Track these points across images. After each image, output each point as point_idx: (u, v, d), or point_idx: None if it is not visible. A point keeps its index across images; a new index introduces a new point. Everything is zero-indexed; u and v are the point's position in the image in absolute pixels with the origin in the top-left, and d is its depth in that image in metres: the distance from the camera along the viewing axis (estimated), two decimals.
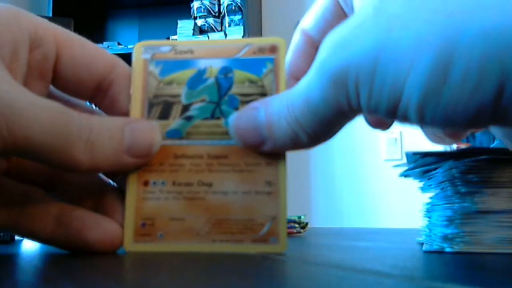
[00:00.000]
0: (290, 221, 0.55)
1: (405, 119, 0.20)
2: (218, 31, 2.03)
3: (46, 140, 0.21)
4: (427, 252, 0.29)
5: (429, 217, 0.33)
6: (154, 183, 0.25)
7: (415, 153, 0.31)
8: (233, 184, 0.25)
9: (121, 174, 0.26)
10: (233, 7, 1.98)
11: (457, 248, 0.28)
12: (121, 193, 0.26)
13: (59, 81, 0.26)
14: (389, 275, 0.17)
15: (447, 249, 0.28)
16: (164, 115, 0.26)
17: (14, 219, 0.25)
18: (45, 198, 0.26)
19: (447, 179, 0.29)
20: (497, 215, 0.28)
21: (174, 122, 0.26)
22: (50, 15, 1.97)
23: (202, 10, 2.03)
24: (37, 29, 0.24)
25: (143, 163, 0.25)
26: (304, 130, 0.22)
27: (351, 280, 0.16)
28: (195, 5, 2.03)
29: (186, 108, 0.26)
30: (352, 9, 0.26)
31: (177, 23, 2.06)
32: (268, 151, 0.25)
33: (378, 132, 1.91)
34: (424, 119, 0.19)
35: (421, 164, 0.32)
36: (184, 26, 2.05)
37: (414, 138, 1.85)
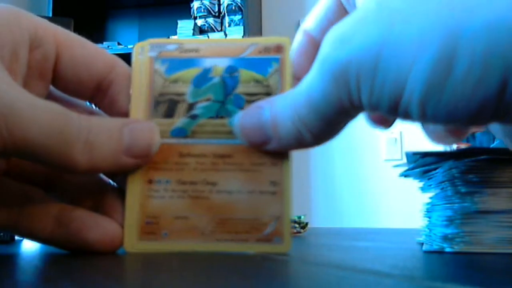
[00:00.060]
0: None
1: (406, 115, 0.20)
2: (218, 31, 2.03)
3: (45, 141, 0.21)
4: (427, 252, 0.29)
5: (429, 217, 0.33)
6: (159, 181, 0.25)
7: (415, 153, 0.31)
8: (238, 184, 0.25)
9: (121, 174, 0.26)
10: (233, 7, 1.98)
11: (457, 248, 0.28)
12: (121, 193, 0.26)
13: (59, 81, 0.26)
14: (389, 275, 0.17)
15: (447, 249, 0.28)
16: (170, 113, 0.26)
17: (14, 219, 0.25)
18: (44, 198, 0.26)
19: (447, 179, 0.29)
20: (497, 215, 0.28)
21: (179, 120, 0.26)
22: (50, 15, 1.97)
23: (202, 10, 2.03)
24: (37, 29, 0.24)
25: (142, 163, 0.25)
26: (307, 128, 0.22)
27: (351, 280, 0.16)
28: (195, 5, 2.03)
29: (191, 106, 0.26)
30: (355, 8, 0.26)
31: (177, 23, 2.06)
32: (273, 150, 0.25)
33: (378, 132, 1.91)
34: (426, 116, 0.19)
35: (421, 164, 0.32)
36: (184, 26, 2.05)
37: (414, 138, 1.85)
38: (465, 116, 0.18)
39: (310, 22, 0.28)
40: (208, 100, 0.26)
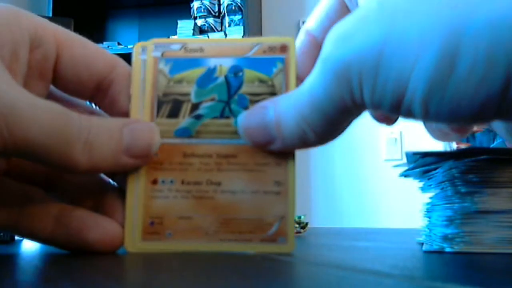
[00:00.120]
0: None
1: (409, 114, 0.19)
2: (218, 31, 2.03)
3: (46, 141, 0.21)
4: (427, 252, 0.29)
5: (429, 217, 0.33)
6: (163, 181, 0.25)
7: (415, 153, 0.31)
8: (242, 184, 0.25)
9: (121, 173, 0.26)
10: (233, 7, 1.98)
11: (457, 248, 0.28)
12: (121, 193, 0.26)
13: (59, 81, 0.26)
14: (389, 275, 0.17)
15: (447, 249, 0.28)
16: (174, 113, 0.26)
17: (14, 219, 0.25)
18: (45, 198, 0.26)
19: (447, 179, 0.29)
20: (497, 215, 0.28)
21: (184, 120, 0.26)
22: (50, 15, 1.97)
23: (202, 10, 2.03)
24: (37, 29, 0.24)
25: (142, 163, 0.25)
26: (311, 128, 0.22)
27: (351, 280, 0.16)
28: (195, 5, 2.03)
29: (195, 106, 0.26)
30: (357, 6, 0.25)
31: (177, 23, 2.06)
32: (277, 150, 0.25)
33: (378, 132, 1.91)
34: (428, 114, 0.19)
35: (421, 164, 0.32)
36: (184, 26, 2.05)
37: (414, 138, 1.85)
38: (468, 114, 0.18)
39: (312, 22, 0.28)
40: (212, 100, 0.26)
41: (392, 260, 0.23)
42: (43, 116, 0.21)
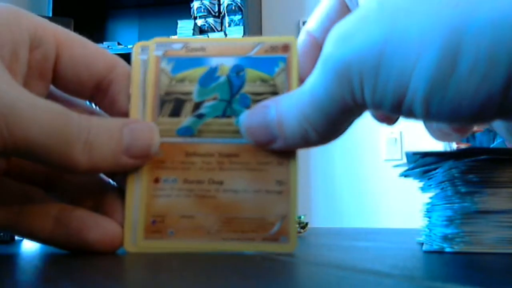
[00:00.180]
0: None
1: (410, 113, 0.19)
2: (218, 31, 2.03)
3: (46, 141, 0.21)
4: (427, 252, 0.29)
5: (429, 217, 0.33)
6: (165, 180, 0.25)
7: (415, 153, 0.31)
8: (244, 183, 0.25)
9: (121, 173, 0.26)
10: (233, 7, 1.98)
11: (457, 248, 0.28)
12: (121, 192, 0.26)
13: (59, 81, 0.26)
14: (389, 275, 0.17)
15: (447, 249, 0.28)
16: (176, 112, 0.26)
17: (14, 219, 0.25)
18: (44, 198, 0.26)
19: (447, 179, 0.29)
20: (497, 215, 0.28)
21: (186, 119, 0.26)
22: (50, 15, 1.97)
23: (202, 10, 2.03)
24: (37, 29, 0.24)
25: (142, 163, 0.25)
26: (313, 128, 0.22)
27: (351, 280, 0.16)
28: (195, 5, 2.03)
29: (197, 106, 0.26)
30: (357, 6, 0.25)
31: (177, 23, 2.06)
32: (278, 149, 0.25)
33: (378, 132, 1.91)
34: (430, 113, 0.19)
35: (421, 164, 0.32)
36: (184, 26, 2.05)
37: (414, 138, 1.85)
38: (469, 113, 0.18)
39: (312, 22, 0.28)
40: (214, 99, 0.26)
41: (392, 260, 0.23)
42: (43, 116, 0.21)
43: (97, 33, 2.20)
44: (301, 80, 0.25)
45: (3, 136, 0.21)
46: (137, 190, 0.25)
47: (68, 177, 0.27)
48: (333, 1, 0.27)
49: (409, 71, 0.18)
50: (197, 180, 0.25)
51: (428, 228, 0.32)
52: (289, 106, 0.23)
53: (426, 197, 0.34)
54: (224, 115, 0.26)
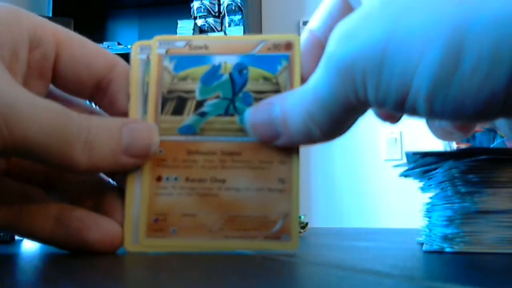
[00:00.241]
0: None
1: (413, 111, 0.19)
2: (218, 31, 2.03)
3: (45, 140, 0.21)
4: (427, 252, 0.29)
5: (429, 217, 0.33)
6: (167, 178, 0.25)
7: (415, 153, 0.31)
8: (246, 181, 0.25)
9: (120, 173, 0.26)
10: (233, 7, 1.98)
11: (457, 248, 0.28)
12: (121, 192, 0.26)
13: (59, 80, 0.26)
14: (389, 275, 0.17)
15: (447, 249, 0.28)
16: (178, 110, 0.26)
17: (13, 219, 0.25)
18: (44, 198, 0.26)
19: (447, 179, 0.29)
20: (497, 215, 0.28)
21: (188, 118, 0.26)
22: (50, 15, 1.97)
23: (202, 10, 2.03)
24: (37, 29, 0.24)
25: (141, 163, 0.25)
26: (316, 125, 0.22)
27: (351, 280, 0.16)
28: (195, 5, 2.03)
29: (200, 104, 0.26)
30: (360, 4, 0.25)
31: (177, 23, 2.06)
32: (282, 145, 0.25)
33: (378, 132, 1.91)
34: (433, 111, 0.19)
35: (421, 164, 0.32)
36: (184, 26, 2.05)
37: (414, 138, 1.85)
38: (472, 111, 0.18)
39: (315, 21, 0.28)
40: (217, 97, 0.26)
41: (392, 260, 0.23)
42: (43, 115, 0.21)
43: (97, 33, 2.20)
44: (304, 79, 0.25)
45: (3, 135, 0.21)
46: (138, 189, 0.25)
47: (68, 177, 0.27)
48: (336, 0, 0.27)
49: (412, 69, 0.18)
50: (199, 179, 0.25)
51: (428, 228, 0.32)
52: (293, 104, 0.23)
53: (426, 197, 0.34)
54: (226, 113, 0.26)
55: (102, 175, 0.28)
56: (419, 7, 0.18)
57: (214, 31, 2.04)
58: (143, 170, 0.25)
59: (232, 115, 0.26)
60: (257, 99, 0.26)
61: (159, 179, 0.25)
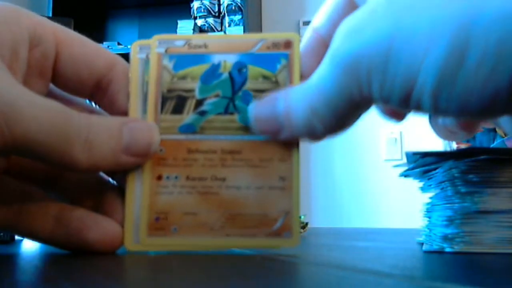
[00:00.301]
0: None
1: (418, 108, 0.19)
2: (218, 31, 2.03)
3: (46, 139, 0.21)
4: (427, 252, 0.29)
5: (429, 217, 0.33)
6: (168, 177, 0.25)
7: (415, 153, 0.31)
8: (247, 179, 0.25)
9: (120, 172, 0.26)
10: (233, 7, 1.98)
11: (457, 248, 0.28)
12: (121, 191, 0.26)
13: (59, 79, 0.26)
14: (389, 275, 0.17)
15: (447, 249, 0.28)
16: (178, 109, 0.26)
17: (13, 219, 0.25)
18: (44, 197, 0.26)
19: (447, 179, 0.29)
20: (497, 215, 0.28)
21: (188, 116, 0.26)
22: (50, 15, 1.97)
23: (202, 10, 2.03)
24: (36, 28, 0.24)
25: (141, 162, 0.25)
26: (319, 120, 0.22)
27: (351, 280, 0.16)
28: (195, 5, 2.03)
29: (200, 103, 0.26)
30: (365, 1, 0.25)
31: (177, 23, 2.06)
32: (284, 140, 0.25)
33: (378, 132, 1.91)
34: (438, 108, 0.19)
35: (421, 164, 0.32)
36: (184, 26, 2.05)
37: (414, 138, 1.85)
38: (477, 108, 0.18)
39: (319, 19, 0.28)
40: (216, 96, 0.26)
41: (392, 260, 0.23)
42: (43, 114, 0.21)
43: (97, 33, 2.20)
44: (304, 77, 0.25)
45: (4, 133, 0.21)
46: (138, 188, 0.25)
47: (68, 176, 0.27)
48: None
49: (417, 65, 0.18)
50: (200, 177, 0.25)
51: (428, 228, 0.32)
52: (297, 99, 0.23)
53: (426, 197, 0.34)
54: (226, 112, 0.26)
55: (102, 175, 0.28)
56: (424, 4, 0.18)
57: (214, 31, 2.04)
58: (143, 169, 0.26)
59: (231, 113, 0.26)
60: (257, 98, 0.26)
61: (159, 178, 0.25)
